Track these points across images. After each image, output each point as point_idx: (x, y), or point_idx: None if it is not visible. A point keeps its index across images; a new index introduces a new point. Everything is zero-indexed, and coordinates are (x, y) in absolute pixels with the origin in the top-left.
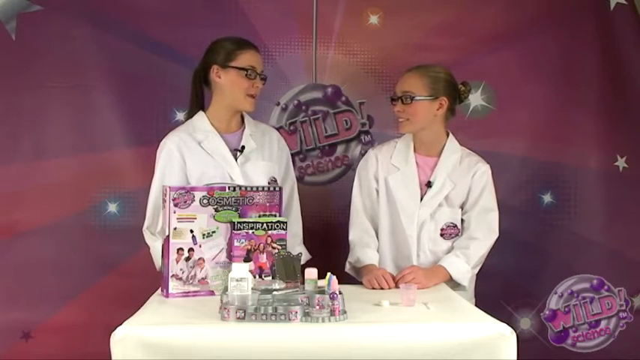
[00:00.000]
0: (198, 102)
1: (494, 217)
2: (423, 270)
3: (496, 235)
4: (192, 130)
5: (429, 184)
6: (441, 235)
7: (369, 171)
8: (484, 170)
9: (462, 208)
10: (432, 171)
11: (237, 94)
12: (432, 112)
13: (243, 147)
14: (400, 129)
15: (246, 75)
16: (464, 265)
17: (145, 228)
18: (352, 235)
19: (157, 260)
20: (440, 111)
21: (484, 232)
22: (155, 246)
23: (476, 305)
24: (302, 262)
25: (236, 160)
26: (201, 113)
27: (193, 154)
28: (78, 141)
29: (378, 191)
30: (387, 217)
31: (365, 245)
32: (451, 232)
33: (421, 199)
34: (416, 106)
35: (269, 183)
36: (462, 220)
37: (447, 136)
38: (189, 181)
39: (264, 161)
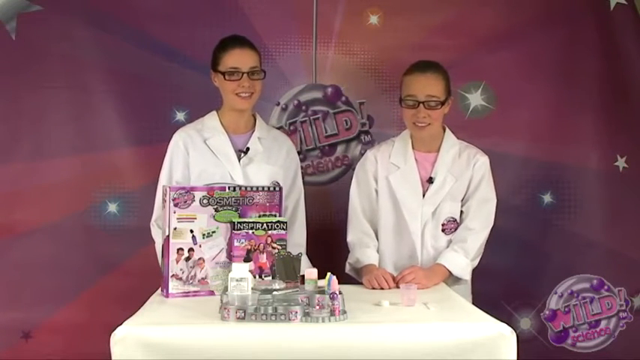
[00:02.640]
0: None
1: (492, 206)
2: (423, 270)
3: (492, 224)
4: (201, 128)
5: (430, 180)
6: (442, 230)
7: (368, 172)
8: (483, 161)
9: (462, 200)
10: (432, 167)
11: (227, 96)
12: (444, 113)
13: (247, 148)
14: (420, 132)
15: (224, 78)
16: (463, 259)
17: (152, 221)
18: (351, 237)
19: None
20: (447, 110)
21: (482, 223)
22: (161, 241)
23: (474, 303)
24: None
25: (239, 160)
26: (213, 112)
27: (197, 150)
28: (78, 141)
29: (377, 192)
30: (389, 217)
31: (364, 246)
32: (451, 226)
33: (423, 196)
34: (439, 110)
35: None
36: (461, 211)
37: (444, 130)
38: (190, 177)
39: (268, 165)
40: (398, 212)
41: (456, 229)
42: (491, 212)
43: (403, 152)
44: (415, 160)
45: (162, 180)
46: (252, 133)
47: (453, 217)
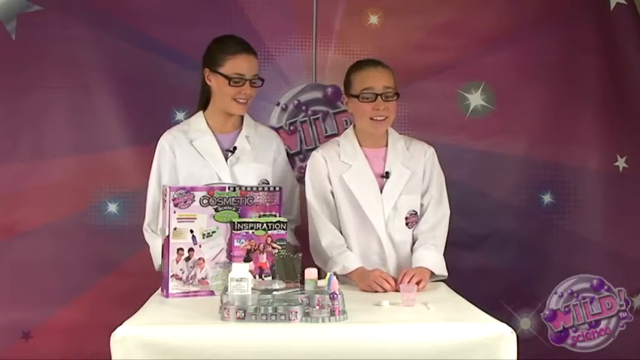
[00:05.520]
0: (203, 100)
1: (445, 193)
2: (421, 272)
3: (449, 212)
4: (187, 129)
5: (386, 175)
6: (406, 224)
7: (321, 174)
8: (432, 151)
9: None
10: (383, 162)
11: (224, 99)
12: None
13: (234, 147)
14: (377, 128)
15: (229, 84)
16: (439, 256)
17: (145, 226)
18: (325, 242)
19: (157, 259)
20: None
21: (443, 214)
22: (155, 245)
23: (474, 304)
24: None
25: (226, 160)
26: (199, 113)
27: (183, 152)
28: (78, 141)
29: (333, 193)
30: (350, 215)
31: (341, 250)
32: (413, 220)
33: (381, 192)
34: (394, 102)
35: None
36: (421, 204)
37: None
38: (178, 179)
39: (256, 163)
40: (358, 210)
41: (416, 223)
42: (447, 200)
43: (352, 150)
44: (365, 156)
45: (152, 184)
46: (240, 131)
47: (414, 211)
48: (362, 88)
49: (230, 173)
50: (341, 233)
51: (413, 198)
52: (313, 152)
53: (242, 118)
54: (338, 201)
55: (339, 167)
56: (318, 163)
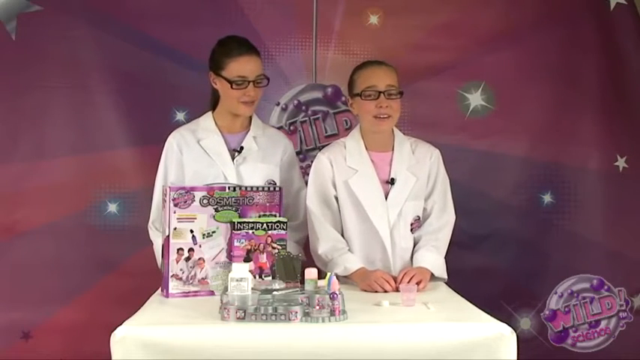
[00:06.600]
0: (213, 100)
1: (450, 198)
2: (421, 272)
3: (454, 215)
4: (195, 128)
5: (392, 182)
6: (411, 230)
7: (325, 176)
8: (437, 154)
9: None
10: (389, 167)
11: (230, 101)
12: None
13: (241, 147)
14: (380, 126)
15: (232, 87)
16: (439, 258)
17: (150, 223)
18: (323, 248)
19: (160, 257)
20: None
21: (448, 217)
22: (159, 243)
23: (474, 304)
24: None
25: (233, 160)
26: (208, 113)
27: (191, 151)
28: (78, 141)
29: (337, 198)
30: (354, 222)
31: (343, 252)
32: (417, 225)
33: (386, 198)
34: (398, 101)
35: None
36: (424, 208)
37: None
38: (184, 178)
39: (263, 164)
40: (363, 216)
41: (419, 227)
42: (451, 204)
43: (358, 154)
44: (371, 161)
45: (158, 182)
46: (248, 132)
47: (418, 216)
48: (365, 86)
49: (236, 173)
50: (343, 237)
51: (418, 204)
52: (319, 154)
53: (250, 118)
54: (342, 206)
55: (345, 172)
56: (324, 165)
